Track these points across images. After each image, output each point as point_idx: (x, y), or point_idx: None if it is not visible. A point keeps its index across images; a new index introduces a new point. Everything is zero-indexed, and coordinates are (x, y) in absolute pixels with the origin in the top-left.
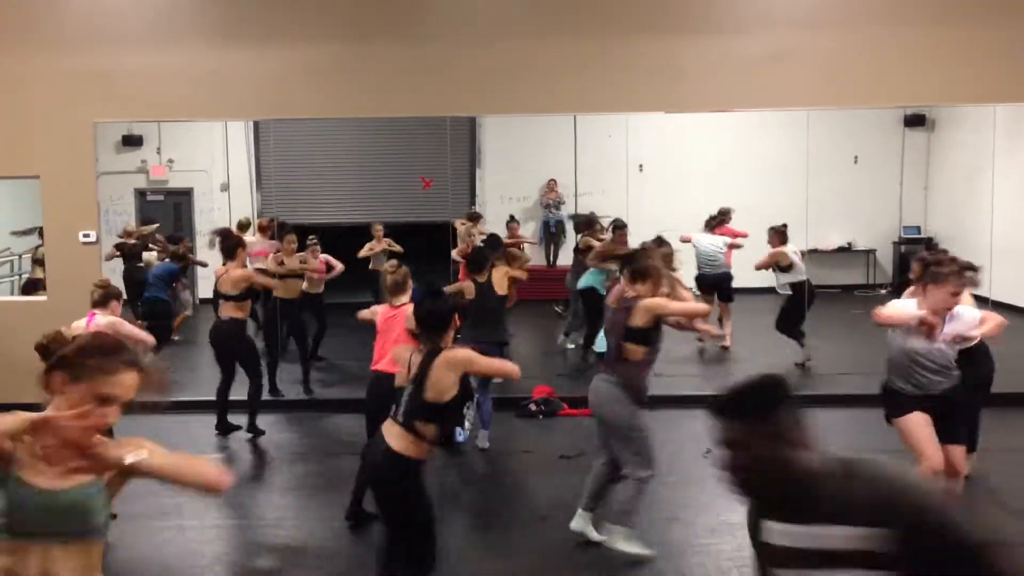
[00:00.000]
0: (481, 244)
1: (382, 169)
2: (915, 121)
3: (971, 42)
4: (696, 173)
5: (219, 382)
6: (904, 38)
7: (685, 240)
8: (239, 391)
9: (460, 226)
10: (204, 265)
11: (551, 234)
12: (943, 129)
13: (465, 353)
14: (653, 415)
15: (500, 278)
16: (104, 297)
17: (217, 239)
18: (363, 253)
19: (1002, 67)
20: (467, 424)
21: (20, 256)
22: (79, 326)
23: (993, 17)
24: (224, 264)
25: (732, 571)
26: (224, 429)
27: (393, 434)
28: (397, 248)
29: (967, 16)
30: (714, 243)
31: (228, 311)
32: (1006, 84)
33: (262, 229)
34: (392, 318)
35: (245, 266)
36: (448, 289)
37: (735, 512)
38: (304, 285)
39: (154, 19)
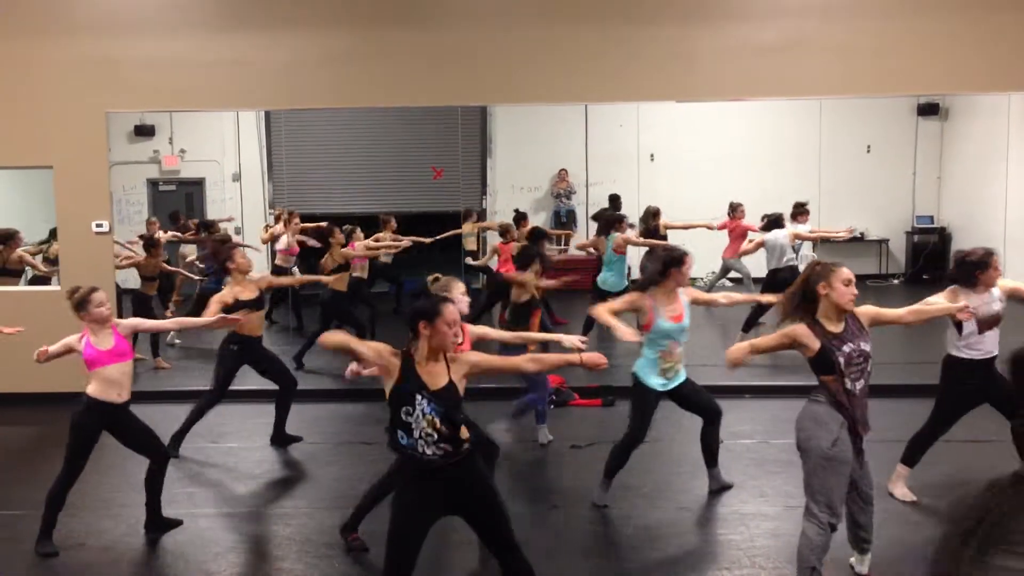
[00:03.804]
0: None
1: (393, 159)
2: (928, 110)
3: (985, 30)
4: (707, 162)
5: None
6: (917, 26)
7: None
8: (252, 382)
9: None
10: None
11: (562, 224)
12: (956, 118)
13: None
14: (667, 404)
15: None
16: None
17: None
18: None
19: (1016, 55)
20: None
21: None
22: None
23: (1007, 4)
24: None
25: (743, 560)
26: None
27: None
28: (402, 243)
29: (980, 3)
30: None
31: None
32: (1020, 72)
33: (286, 223)
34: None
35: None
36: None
37: (746, 503)
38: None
39: (166, 8)
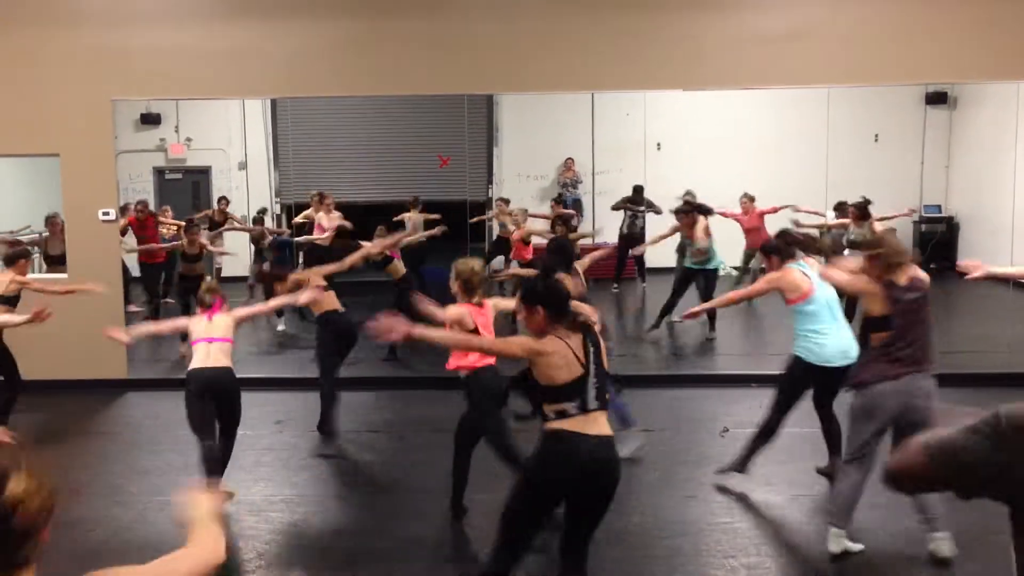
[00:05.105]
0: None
1: (399, 147)
2: (937, 99)
3: (993, 18)
4: (714, 151)
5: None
6: (925, 14)
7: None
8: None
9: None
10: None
11: None
12: (965, 107)
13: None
14: (672, 394)
15: None
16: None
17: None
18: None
19: (1022, 44)
20: None
21: (41, 234)
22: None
23: None
24: None
25: (749, 548)
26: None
27: (603, 423)
28: (434, 216)
29: None
30: None
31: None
32: None
33: (318, 205)
34: (485, 316)
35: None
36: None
37: (752, 491)
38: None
39: None
